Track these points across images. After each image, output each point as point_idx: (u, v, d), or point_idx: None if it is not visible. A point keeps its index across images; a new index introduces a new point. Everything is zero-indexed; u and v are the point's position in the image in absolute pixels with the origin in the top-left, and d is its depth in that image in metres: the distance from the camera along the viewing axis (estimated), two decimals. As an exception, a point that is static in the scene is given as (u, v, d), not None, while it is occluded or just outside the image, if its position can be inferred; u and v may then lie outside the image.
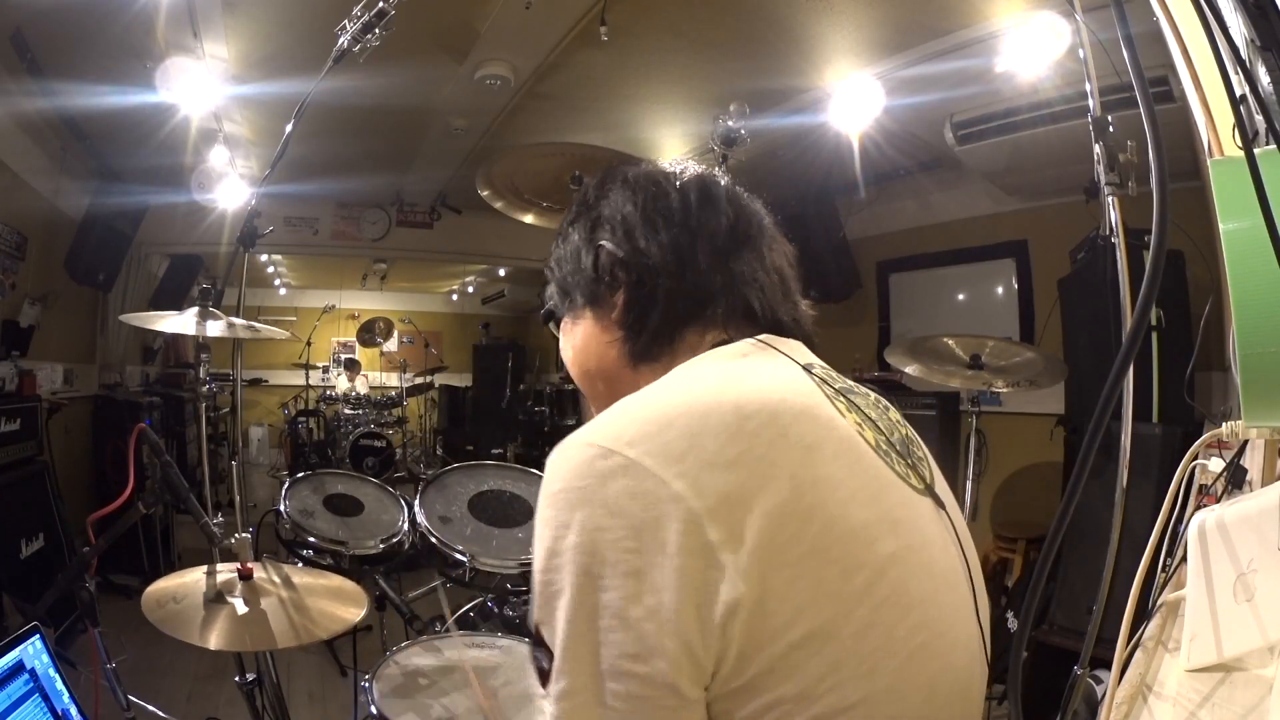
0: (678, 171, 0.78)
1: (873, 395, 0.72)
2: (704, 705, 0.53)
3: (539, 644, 0.56)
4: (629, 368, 0.73)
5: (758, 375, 0.64)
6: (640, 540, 0.52)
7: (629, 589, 0.52)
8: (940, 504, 0.67)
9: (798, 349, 0.71)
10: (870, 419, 0.66)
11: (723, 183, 0.79)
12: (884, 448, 0.64)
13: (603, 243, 0.74)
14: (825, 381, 0.66)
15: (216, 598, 1.31)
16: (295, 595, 1.36)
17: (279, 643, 1.24)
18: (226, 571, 1.39)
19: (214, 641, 1.21)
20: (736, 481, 0.53)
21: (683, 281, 0.71)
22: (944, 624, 0.60)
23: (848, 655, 0.53)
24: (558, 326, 0.84)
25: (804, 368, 0.67)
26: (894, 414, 0.72)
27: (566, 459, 0.57)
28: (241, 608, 1.30)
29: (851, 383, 0.71)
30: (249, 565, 1.39)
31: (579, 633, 0.53)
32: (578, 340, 0.78)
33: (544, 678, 0.55)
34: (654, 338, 0.71)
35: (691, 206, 0.74)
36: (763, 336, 0.70)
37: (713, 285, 0.71)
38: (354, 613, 1.33)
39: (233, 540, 1.40)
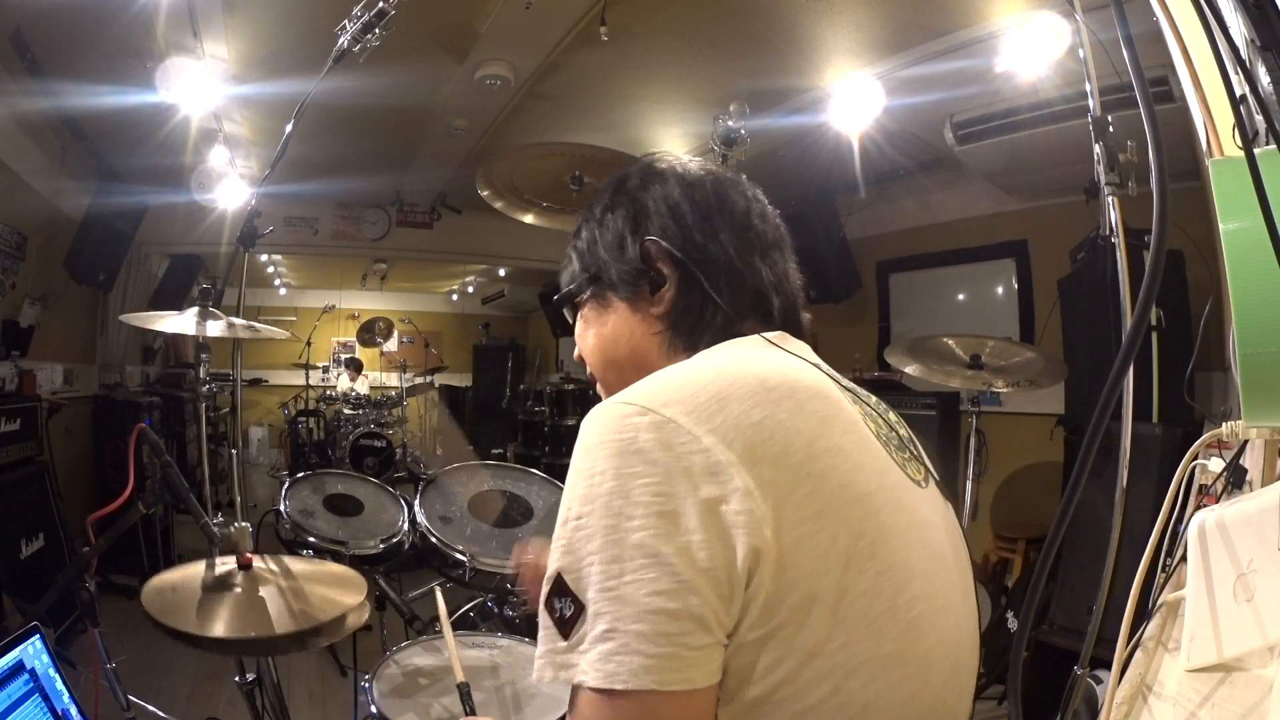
0: (713, 171, 0.81)
1: (874, 398, 0.75)
2: (724, 651, 0.54)
3: (561, 592, 0.56)
4: (667, 360, 0.74)
5: (777, 360, 0.68)
6: (672, 485, 0.54)
7: (661, 528, 0.53)
8: (933, 498, 0.70)
9: (806, 352, 0.74)
10: (872, 415, 0.69)
11: (748, 188, 0.82)
12: (884, 437, 0.68)
13: (652, 236, 0.75)
14: (832, 378, 0.70)
15: (215, 586, 1.31)
16: (294, 583, 1.35)
17: (277, 629, 1.23)
18: (226, 564, 1.39)
19: (213, 630, 1.20)
20: (760, 440, 0.56)
21: (744, 280, 0.74)
22: (940, 600, 0.63)
23: (858, 615, 0.55)
24: (574, 312, 0.84)
25: (814, 365, 0.71)
26: (893, 416, 0.75)
27: (604, 415, 0.59)
28: (240, 595, 1.30)
29: (854, 385, 0.74)
30: (248, 555, 1.39)
31: (614, 573, 0.54)
32: (607, 329, 0.79)
33: (565, 627, 0.55)
34: (708, 333, 0.73)
35: (738, 207, 0.78)
36: (778, 334, 0.73)
37: (766, 285, 0.75)
38: (354, 598, 1.32)
39: (232, 529, 1.39)
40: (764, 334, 0.72)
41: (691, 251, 0.74)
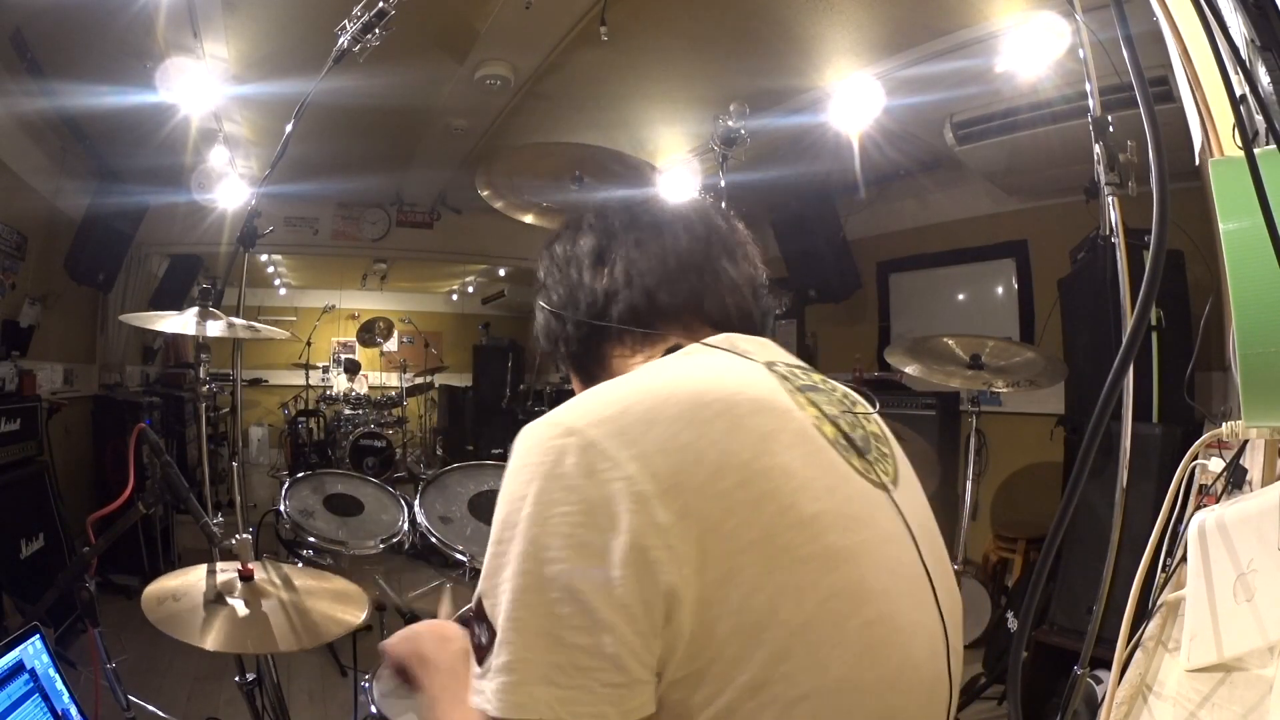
0: (636, 198, 0.86)
1: (839, 391, 0.72)
2: (652, 688, 0.53)
3: (480, 618, 0.55)
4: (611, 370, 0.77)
5: (717, 369, 0.66)
6: (592, 516, 0.53)
7: (578, 562, 0.52)
8: (896, 503, 0.66)
9: (763, 347, 0.72)
10: (829, 415, 0.66)
11: (686, 202, 0.85)
12: (842, 443, 0.65)
13: (540, 305, 0.81)
14: (786, 378, 0.67)
15: (217, 598, 1.31)
16: (296, 597, 1.36)
17: (280, 646, 1.23)
18: (227, 572, 1.39)
19: (213, 643, 1.21)
20: (687, 466, 0.55)
21: (650, 294, 0.75)
22: (905, 618, 0.60)
23: (797, 644, 0.54)
24: None
25: (766, 365, 0.68)
26: (862, 409, 0.72)
27: (530, 436, 0.58)
28: (242, 609, 1.30)
29: (817, 379, 0.71)
30: (249, 566, 1.39)
31: (525, 603, 0.52)
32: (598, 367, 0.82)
33: (481, 654, 0.54)
34: (578, 368, 0.79)
35: (649, 220, 0.79)
36: (724, 336, 0.72)
37: (696, 290, 0.76)
38: (355, 615, 1.33)
39: (233, 541, 1.40)
40: (709, 340, 0.70)
41: (556, 296, 0.79)
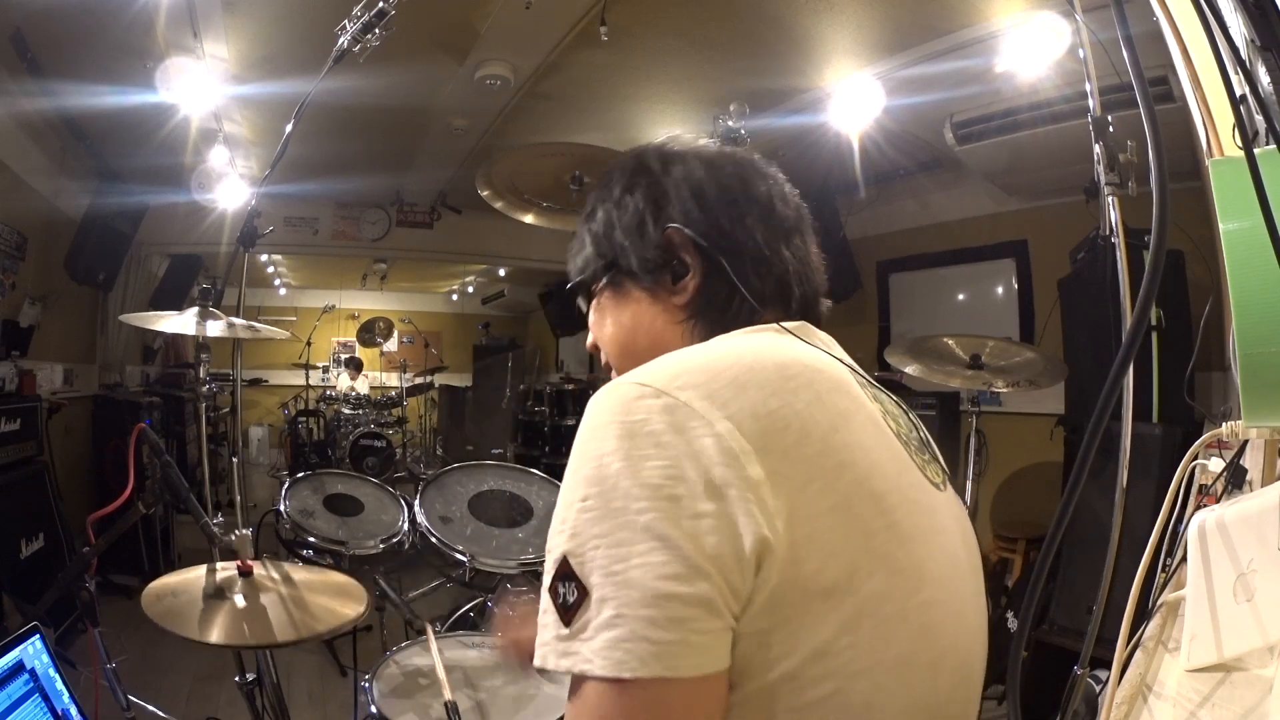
0: (732, 153, 0.78)
1: (894, 397, 0.73)
2: (733, 635, 0.53)
3: (565, 577, 0.53)
4: (684, 344, 0.71)
5: (798, 349, 0.66)
6: (682, 469, 0.52)
7: (670, 512, 0.51)
8: (950, 503, 0.69)
9: (830, 344, 0.72)
10: (893, 413, 0.68)
11: (767, 168, 0.79)
12: (905, 437, 0.66)
13: (675, 224, 0.71)
14: (856, 372, 0.69)
15: (216, 593, 1.31)
16: (295, 592, 1.36)
17: (278, 638, 1.23)
18: (226, 569, 1.39)
19: (213, 636, 1.21)
20: (775, 429, 0.55)
21: (770, 268, 0.72)
22: (954, 606, 0.61)
23: (866, 616, 0.54)
24: (588, 300, 0.80)
25: (838, 358, 0.69)
26: (912, 417, 0.74)
27: (615, 395, 0.57)
28: (241, 603, 1.30)
29: (877, 383, 0.73)
30: (249, 562, 1.39)
31: (621, 556, 0.51)
32: (625, 319, 0.76)
33: (568, 613, 0.53)
34: (733, 324, 0.70)
35: (760, 190, 0.75)
36: (798, 325, 0.71)
37: (790, 273, 0.73)
38: (354, 609, 1.33)
39: (233, 536, 1.40)
40: (784, 324, 0.70)
41: (716, 239, 0.71)
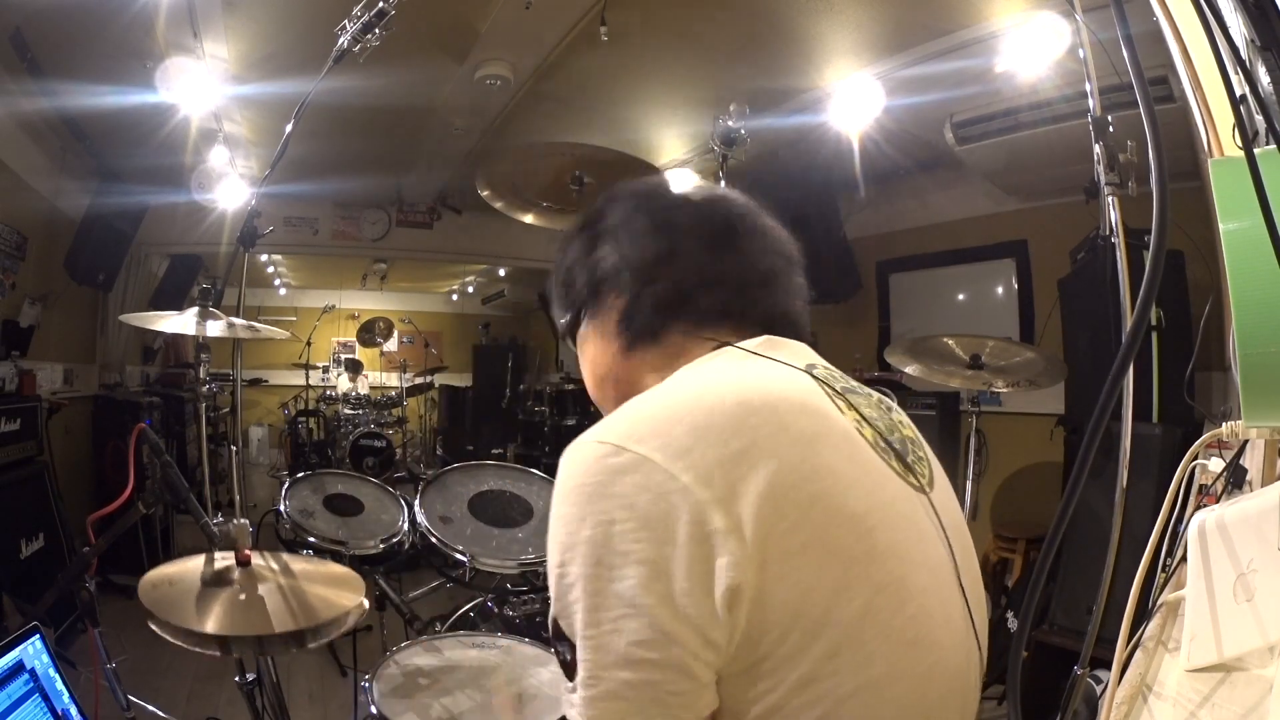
0: (694, 189, 0.81)
1: (875, 396, 0.73)
2: (711, 690, 0.55)
3: (560, 638, 0.57)
4: (630, 369, 0.74)
5: (759, 375, 0.66)
6: (651, 531, 0.54)
7: (641, 577, 0.53)
8: (933, 506, 0.67)
9: (798, 351, 0.71)
10: (868, 419, 0.67)
11: (733, 196, 0.80)
12: (882, 446, 0.66)
13: (601, 254, 0.76)
14: (825, 382, 0.67)
15: (213, 581, 1.30)
16: (293, 582, 1.35)
17: (275, 627, 1.22)
18: (224, 560, 1.38)
19: (208, 627, 1.19)
20: (740, 473, 0.55)
21: (665, 277, 0.73)
22: (941, 615, 0.61)
23: (847, 641, 0.55)
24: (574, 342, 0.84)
25: (805, 370, 0.68)
26: (897, 415, 0.73)
27: (579, 457, 0.58)
28: (238, 593, 1.29)
29: (854, 383, 0.72)
30: (247, 551, 1.38)
31: (594, 621, 0.54)
32: (588, 352, 0.79)
33: (569, 670, 0.57)
34: (640, 332, 0.73)
35: (678, 206, 0.77)
36: (762, 340, 0.71)
37: (745, 285, 0.73)
38: (352, 599, 1.32)
39: (231, 525, 1.39)
40: (745, 343, 0.69)
41: (634, 260, 0.73)
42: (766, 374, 0.66)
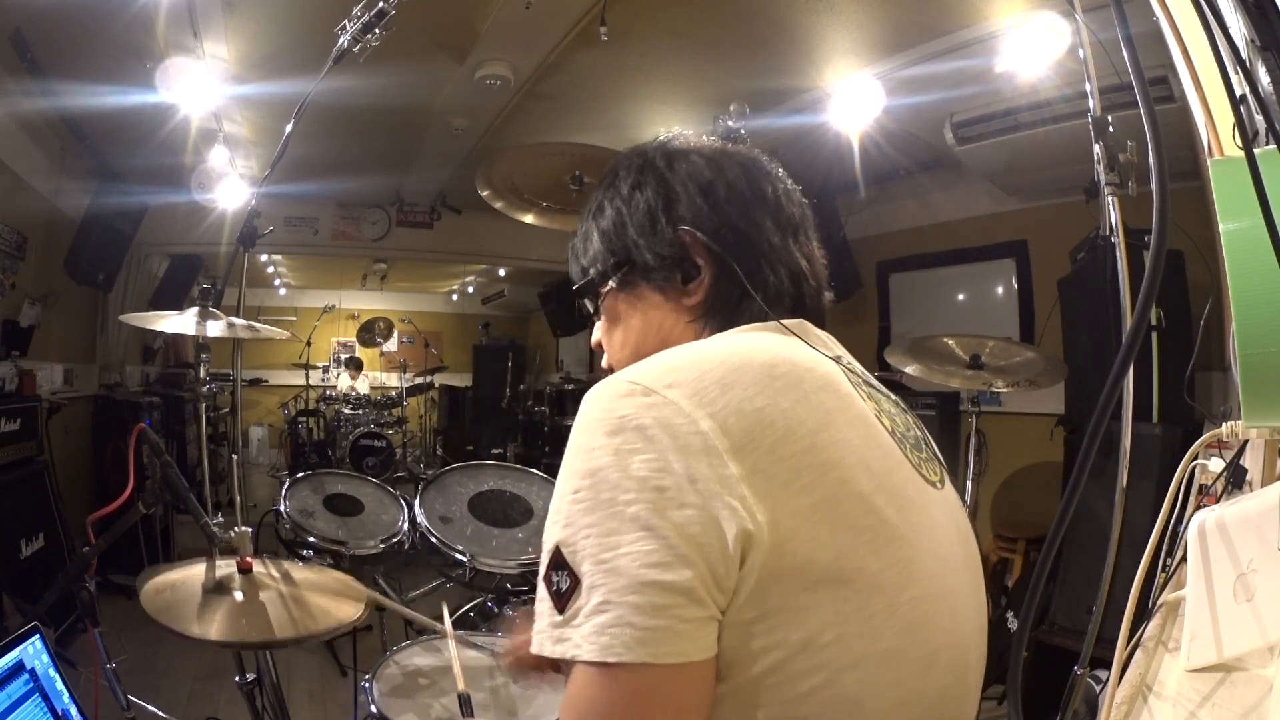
0: (734, 150, 0.78)
1: (892, 396, 0.74)
2: (718, 626, 0.54)
3: (558, 565, 0.55)
4: (689, 339, 0.72)
5: (791, 350, 0.66)
6: (668, 463, 0.54)
7: (657, 503, 0.53)
8: (943, 500, 0.68)
9: (829, 343, 0.73)
10: (887, 411, 0.68)
11: (770, 165, 0.79)
12: (899, 435, 0.66)
13: (686, 225, 0.71)
14: (852, 371, 0.69)
15: (215, 589, 1.31)
16: (294, 590, 1.35)
17: (277, 634, 1.23)
18: (226, 566, 1.39)
19: (211, 633, 1.20)
20: (759, 427, 0.56)
21: (779, 267, 0.73)
22: (948, 603, 0.62)
23: (854, 610, 0.55)
24: (595, 300, 0.79)
25: (833, 358, 0.69)
26: (911, 416, 0.74)
27: (607, 393, 0.59)
28: (240, 600, 1.30)
29: (876, 381, 0.73)
30: (248, 559, 1.39)
31: (607, 546, 0.53)
32: (636, 320, 0.76)
33: (561, 600, 0.55)
34: (742, 323, 0.70)
35: (765, 188, 0.75)
36: (796, 323, 0.71)
37: (797, 271, 0.74)
38: (353, 607, 1.32)
39: (232, 533, 1.39)
40: (784, 321, 0.70)
41: (729, 240, 0.71)
42: (799, 351, 0.66)
